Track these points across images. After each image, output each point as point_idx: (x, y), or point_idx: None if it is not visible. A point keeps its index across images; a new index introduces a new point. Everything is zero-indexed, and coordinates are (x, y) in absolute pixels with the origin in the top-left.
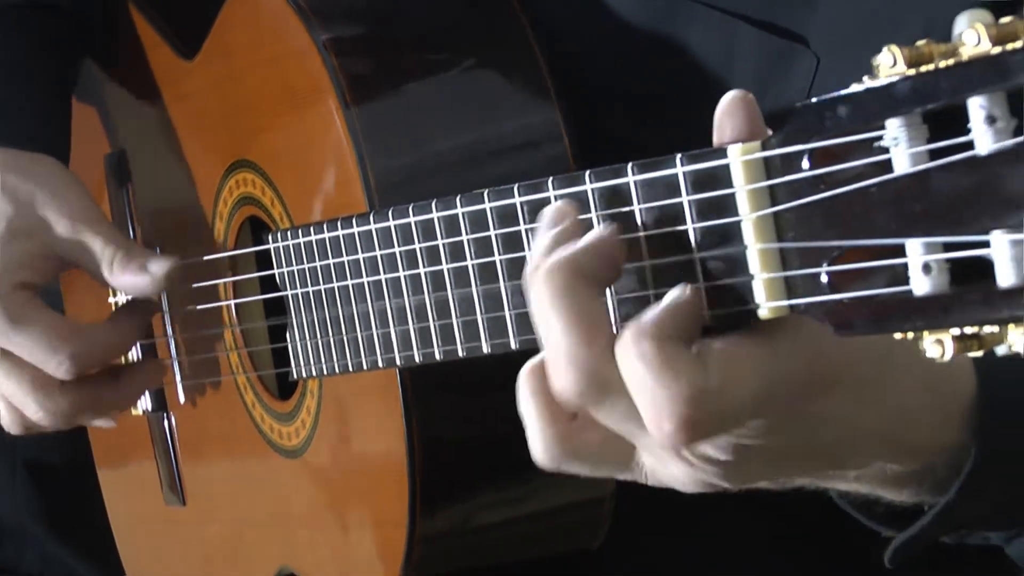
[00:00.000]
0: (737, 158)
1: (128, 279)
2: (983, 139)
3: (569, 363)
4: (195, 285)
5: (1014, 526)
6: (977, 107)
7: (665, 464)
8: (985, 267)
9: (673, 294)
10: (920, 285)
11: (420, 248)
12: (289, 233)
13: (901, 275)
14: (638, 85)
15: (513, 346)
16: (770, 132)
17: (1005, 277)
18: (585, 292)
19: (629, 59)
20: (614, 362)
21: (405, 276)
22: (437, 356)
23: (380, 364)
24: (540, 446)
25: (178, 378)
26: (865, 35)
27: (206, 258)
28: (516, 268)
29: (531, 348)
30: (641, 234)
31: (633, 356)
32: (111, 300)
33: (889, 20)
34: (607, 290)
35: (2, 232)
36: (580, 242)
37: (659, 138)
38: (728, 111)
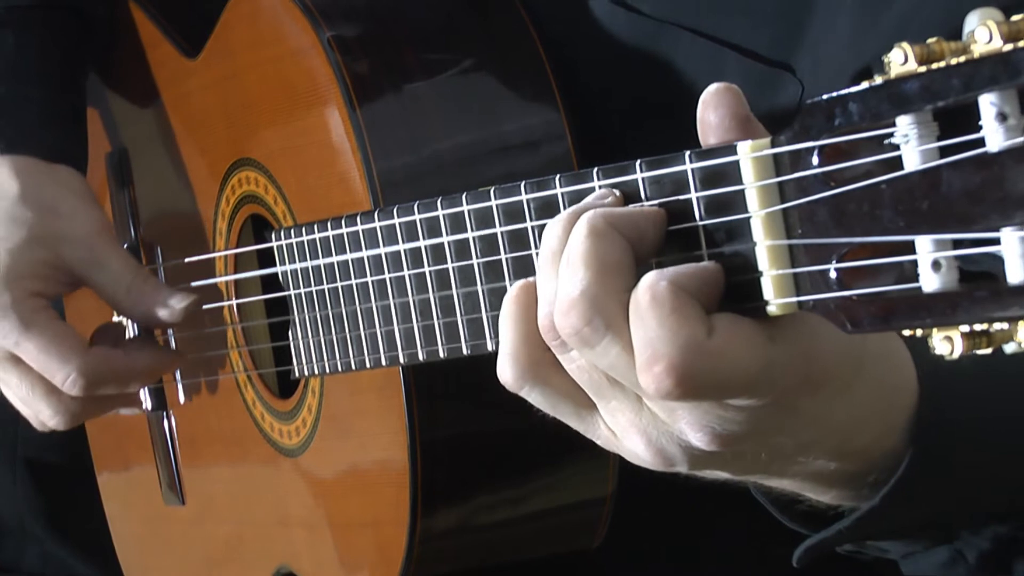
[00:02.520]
0: (746, 155)
1: (143, 309)
2: (994, 136)
3: (582, 295)
4: (196, 284)
5: (921, 540)
6: (988, 104)
7: (627, 436)
8: (995, 264)
9: (701, 263)
10: (929, 282)
11: (425, 246)
12: (292, 231)
13: (910, 272)
14: (629, 98)
15: None
16: (746, 110)
17: (1015, 274)
18: (615, 240)
19: (618, 73)
20: (623, 305)
21: (409, 274)
22: (441, 354)
23: (383, 362)
24: (509, 363)
25: (178, 377)
26: (849, 61)
27: (207, 256)
28: (522, 266)
29: None
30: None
31: (647, 296)
32: (115, 319)
33: (875, 48)
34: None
35: (23, 239)
36: (620, 208)
37: (650, 151)
38: (709, 104)
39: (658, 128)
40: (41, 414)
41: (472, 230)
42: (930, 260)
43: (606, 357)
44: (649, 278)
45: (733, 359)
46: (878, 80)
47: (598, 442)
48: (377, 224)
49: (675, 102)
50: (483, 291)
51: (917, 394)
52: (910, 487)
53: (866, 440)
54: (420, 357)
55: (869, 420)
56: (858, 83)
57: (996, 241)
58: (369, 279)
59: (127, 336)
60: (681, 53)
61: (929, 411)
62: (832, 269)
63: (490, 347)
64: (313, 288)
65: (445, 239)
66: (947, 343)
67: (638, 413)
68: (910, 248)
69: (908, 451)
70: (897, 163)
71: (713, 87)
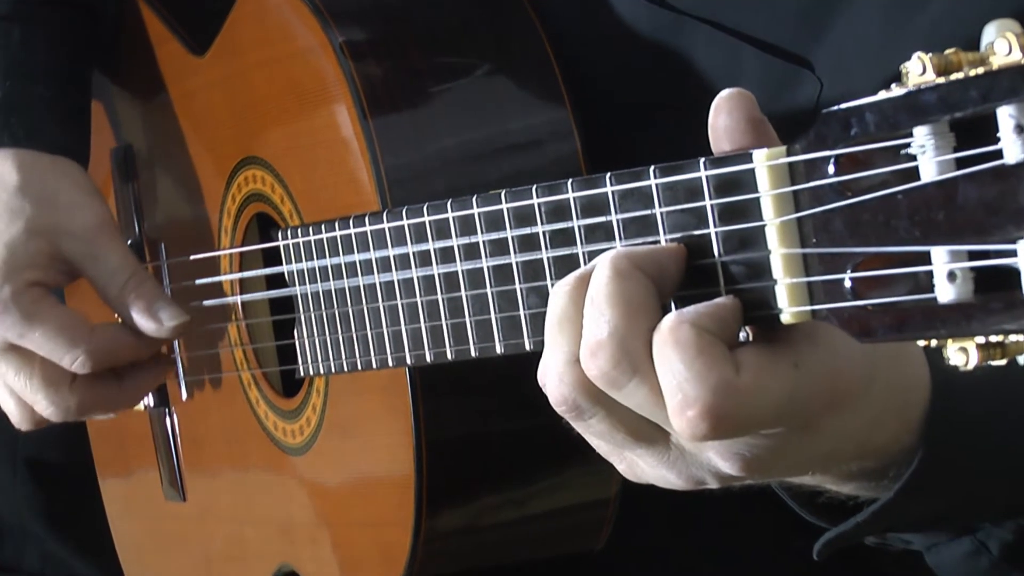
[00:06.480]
0: (762, 163)
1: (133, 311)
2: (1012, 148)
3: (610, 337)
4: (200, 281)
5: (942, 531)
6: (1006, 116)
7: (656, 472)
8: (1010, 276)
9: (717, 299)
10: (944, 293)
11: (434, 248)
12: (299, 230)
13: (925, 283)
14: (641, 95)
15: (527, 347)
16: (759, 113)
17: None
18: (639, 280)
19: (633, 68)
20: (648, 345)
21: (418, 276)
22: (449, 356)
23: (389, 363)
24: (555, 376)
25: (181, 374)
26: (870, 60)
27: (212, 254)
28: (532, 270)
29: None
30: (662, 237)
31: (670, 340)
32: None
33: (894, 46)
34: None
35: (20, 230)
36: (643, 247)
37: (660, 149)
38: (722, 108)
39: (668, 127)
40: (37, 404)
41: (482, 233)
42: (945, 271)
43: (634, 398)
44: (670, 320)
45: (763, 393)
46: (895, 90)
47: (627, 475)
48: (385, 225)
49: (688, 100)
50: (492, 293)
51: (929, 393)
52: (924, 481)
53: (884, 438)
54: (427, 358)
55: (885, 420)
56: (889, 86)
57: (1012, 253)
58: (377, 279)
59: None
60: (699, 49)
61: (941, 405)
62: (847, 278)
63: (498, 349)
64: (320, 287)
65: (455, 241)
66: (962, 354)
67: (662, 457)
68: (925, 259)
69: (920, 448)
70: (913, 174)
71: (726, 92)
